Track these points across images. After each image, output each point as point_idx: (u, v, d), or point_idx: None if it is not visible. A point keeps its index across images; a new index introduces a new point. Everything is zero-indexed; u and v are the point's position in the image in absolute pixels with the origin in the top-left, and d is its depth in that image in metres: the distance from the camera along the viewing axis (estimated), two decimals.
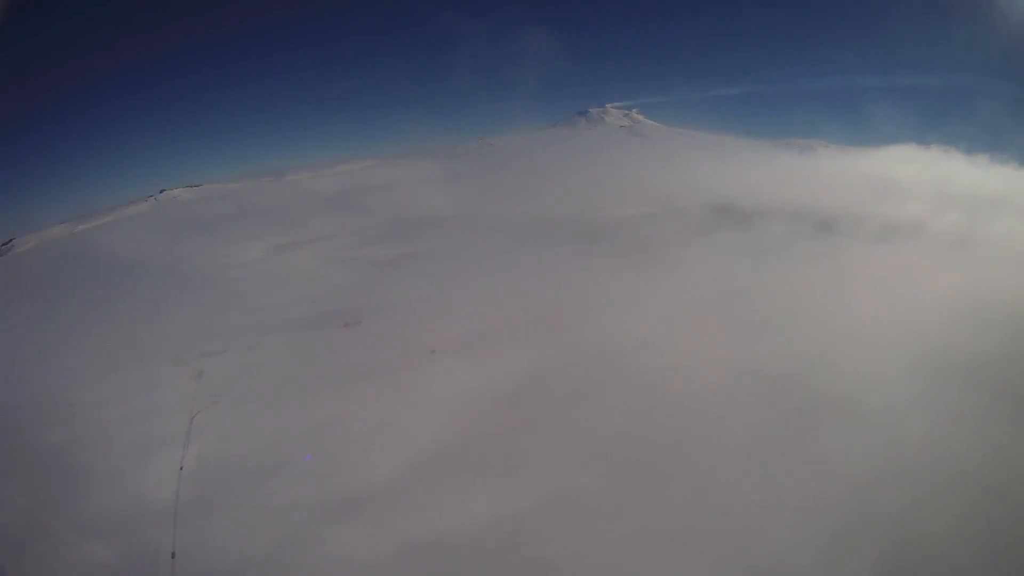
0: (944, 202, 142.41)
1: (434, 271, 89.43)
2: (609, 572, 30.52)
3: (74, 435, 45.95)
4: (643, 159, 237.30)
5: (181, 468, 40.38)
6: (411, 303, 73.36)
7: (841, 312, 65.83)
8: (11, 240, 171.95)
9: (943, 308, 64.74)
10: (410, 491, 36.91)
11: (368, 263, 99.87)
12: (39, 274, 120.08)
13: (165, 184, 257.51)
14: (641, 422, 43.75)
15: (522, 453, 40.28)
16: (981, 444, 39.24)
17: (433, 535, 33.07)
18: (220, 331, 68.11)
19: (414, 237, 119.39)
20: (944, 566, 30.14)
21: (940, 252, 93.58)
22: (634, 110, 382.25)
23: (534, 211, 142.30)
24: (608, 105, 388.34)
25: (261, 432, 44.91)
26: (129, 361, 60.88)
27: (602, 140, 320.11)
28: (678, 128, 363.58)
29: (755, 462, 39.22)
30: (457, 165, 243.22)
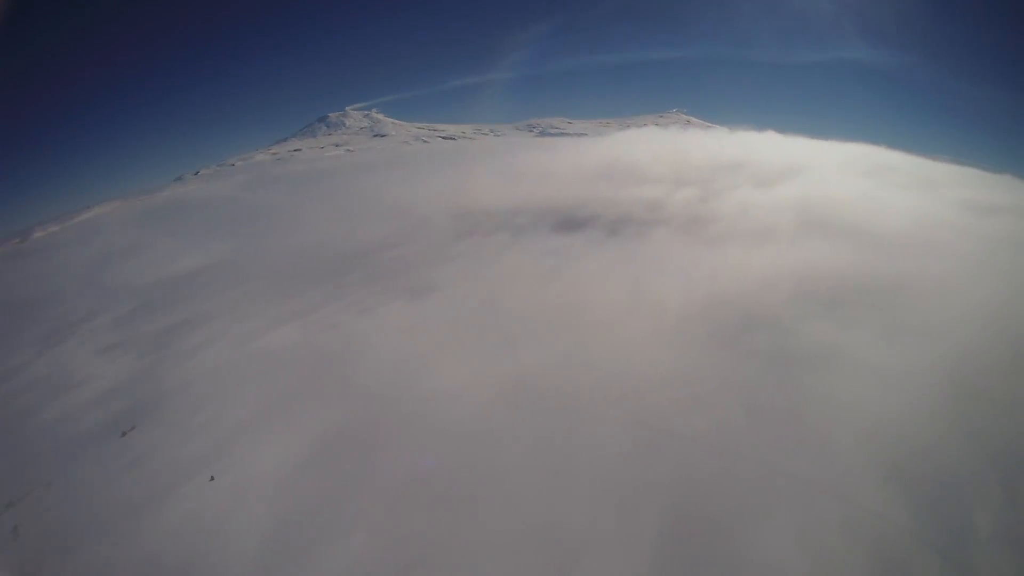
0: (683, 179, 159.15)
1: (205, 339, 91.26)
2: None
3: None
4: (384, 166, 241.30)
5: None
6: (192, 384, 74.53)
7: (589, 310, 69.79)
8: None
9: (686, 294, 70.55)
10: (276, 566, 40.04)
11: (137, 344, 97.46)
12: None
13: None
14: (439, 456, 49.05)
15: (351, 514, 43.75)
16: (743, 426, 49.30)
17: None
18: (14, 469, 62.93)
19: (176, 301, 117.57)
20: (723, 537, 38.82)
21: (679, 234, 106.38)
22: (373, 110, 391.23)
23: (287, 245, 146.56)
24: (348, 108, 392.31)
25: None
26: None
27: (343, 146, 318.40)
28: (418, 124, 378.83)
29: (541, 466, 46.60)
30: (202, 202, 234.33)
